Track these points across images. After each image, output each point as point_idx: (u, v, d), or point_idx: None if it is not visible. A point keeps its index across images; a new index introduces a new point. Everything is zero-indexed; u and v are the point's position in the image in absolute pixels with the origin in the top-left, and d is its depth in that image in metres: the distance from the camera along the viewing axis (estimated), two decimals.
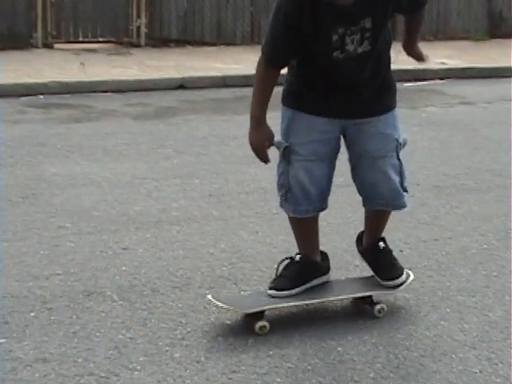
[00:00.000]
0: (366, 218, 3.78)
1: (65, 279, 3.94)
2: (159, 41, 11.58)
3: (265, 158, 3.50)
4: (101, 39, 11.54)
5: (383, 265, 3.68)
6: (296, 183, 3.49)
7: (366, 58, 3.35)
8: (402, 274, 3.68)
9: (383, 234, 3.78)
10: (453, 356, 3.33)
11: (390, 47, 3.48)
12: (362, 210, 5.05)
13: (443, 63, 10.89)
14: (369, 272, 3.78)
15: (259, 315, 3.47)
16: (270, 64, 3.38)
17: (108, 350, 3.29)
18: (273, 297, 3.56)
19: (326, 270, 3.75)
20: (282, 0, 3.27)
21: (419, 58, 3.74)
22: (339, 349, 3.36)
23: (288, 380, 3.11)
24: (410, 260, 4.28)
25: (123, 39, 11.54)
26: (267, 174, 5.82)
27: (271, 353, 3.31)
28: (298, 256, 3.68)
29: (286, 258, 3.71)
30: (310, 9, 3.21)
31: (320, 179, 3.52)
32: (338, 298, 3.68)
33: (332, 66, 3.35)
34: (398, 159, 3.53)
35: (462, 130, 7.50)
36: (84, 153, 6.32)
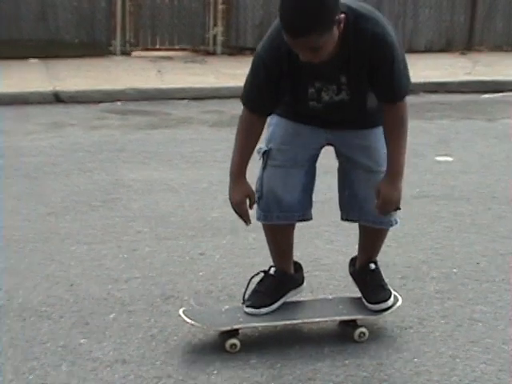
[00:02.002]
0: (360, 235, 3.62)
1: (143, 283, 4.01)
2: (235, 49, 11.66)
3: (245, 217, 3.36)
4: (177, 47, 11.68)
5: (370, 287, 3.53)
6: (268, 189, 3.39)
7: (345, 104, 3.25)
8: (388, 298, 3.51)
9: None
10: None
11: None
12: (439, 221, 5.05)
13: None
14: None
15: (232, 333, 3.38)
16: (250, 111, 3.27)
17: (186, 354, 3.35)
18: (251, 315, 3.46)
19: (301, 281, 3.68)
20: (262, 52, 3.17)
21: (379, 203, 3.30)
22: (415, 360, 3.35)
23: None
24: (488, 273, 4.24)
25: (199, 47, 11.66)
26: None
27: (347, 362, 3.32)
28: (273, 269, 3.59)
29: (260, 272, 3.62)
30: (288, 63, 3.11)
31: (295, 187, 3.40)
32: (319, 319, 3.54)
33: (311, 110, 3.28)
34: None
35: None
36: (161, 159, 6.41)
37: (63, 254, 4.40)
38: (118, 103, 8.76)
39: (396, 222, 3.51)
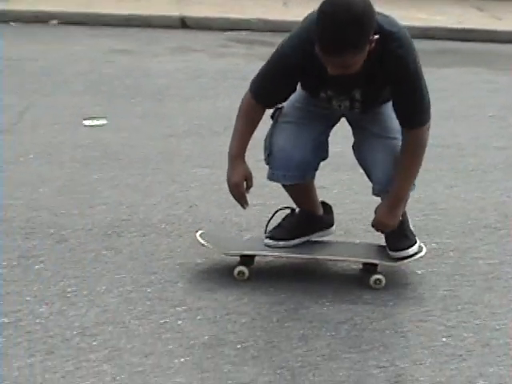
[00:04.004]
0: None
1: (260, 210, 4.05)
2: None
3: (242, 200, 3.34)
4: None
5: (395, 236, 3.42)
6: (277, 145, 3.31)
7: (355, 113, 3.25)
8: (409, 247, 3.42)
9: None
10: None
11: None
12: None
13: None
14: None
15: (243, 260, 3.42)
16: (256, 99, 3.21)
17: (298, 283, 3.39)
18: (269, 246, 3.47)
19: (329, 223, 3.64)
20: (288, 49, 3.09)
21: (373, 223, 3.36)
22: None
23: (475, 337, 3.09)
24: None
25: None
26: (464, 130, 5.73)
27: (460, 307, 3.30)
28: (298, 209, 3.57)
29: (287, 208, 3.60)
30: (311, 67, 3.02)
31: (305, 144, 3.29)
32: (332, 258, 3.51)
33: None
34: None
35: None
36: None
37: (184, 175, 4.49)
38: (243, 32, 8.77)
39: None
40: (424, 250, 3.52)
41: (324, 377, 2.76)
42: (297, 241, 3.52)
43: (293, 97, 3.31)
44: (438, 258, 3.70)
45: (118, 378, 2.69)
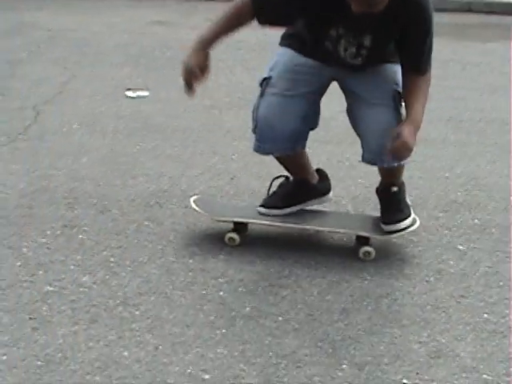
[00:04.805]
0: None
1: None
2: None
3: (190, 86, 3.18)
4: None
5: (389, 208, 3.39)
6: (263, 118, 3.25)
7: (355, 66, 3.17)
8: (400, 221, 3.37)
9: None
10: None
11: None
12: None
13: None
14: None
15: (236, 227, 3.44)
16: (253, 5, 3.05)
17: (341, 258, 3.39)
18: (262, 214, 3.47)
19: (325, 190, 3.61)
20: None
21: (395, 145, 3.07)
22: None
23: None
24: None
25: None
26: (507, 105, 5.67)
27: (501, 284, 3.27)
28: (292, 177, 3.56)
29: (282, 176, 3.58)
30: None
31: (293, 117, 3.24)
32: (323, 229, 3.48)
33: (323, 52, 3.17)
34: (397, 110, 3.20)
35: None
36: None
37: (225, 147, 4.50)
38: None
39: (395, 162, 3.29)
40: (417, 223, 3.48)
41: (364, 350, 2.76)
42: (290, 209, 3.51)
43: (282, 65, 3.27)
44: (480, 234, 3.68)
45: (159, 347, 2.71)
